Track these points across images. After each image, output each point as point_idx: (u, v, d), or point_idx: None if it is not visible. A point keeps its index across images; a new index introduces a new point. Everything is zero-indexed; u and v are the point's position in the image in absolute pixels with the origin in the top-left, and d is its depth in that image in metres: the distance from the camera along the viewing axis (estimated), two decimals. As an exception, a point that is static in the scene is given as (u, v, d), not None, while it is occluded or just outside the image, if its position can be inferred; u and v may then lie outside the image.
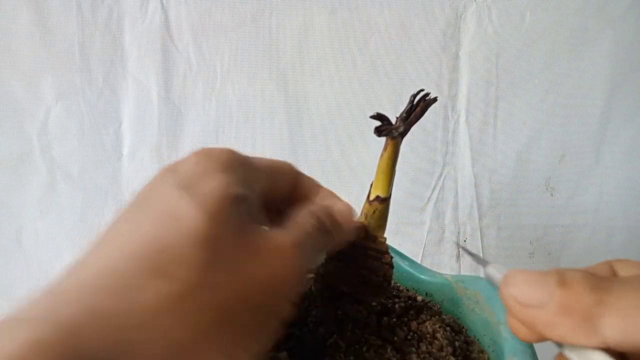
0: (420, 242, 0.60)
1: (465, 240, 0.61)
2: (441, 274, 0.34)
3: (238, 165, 0.21)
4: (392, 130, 0.25)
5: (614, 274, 0.20)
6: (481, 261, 0.24)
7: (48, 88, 0.54)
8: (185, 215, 0.17)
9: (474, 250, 0.61)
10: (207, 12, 0.56)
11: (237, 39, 0.57)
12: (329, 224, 0.23)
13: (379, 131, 0.25)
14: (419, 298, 0.33)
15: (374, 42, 0.58)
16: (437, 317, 0.30)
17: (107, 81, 0.55)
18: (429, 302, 0.32)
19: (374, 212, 0.27)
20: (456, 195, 0.61)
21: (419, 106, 0.26)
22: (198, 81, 0.57)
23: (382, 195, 0.27)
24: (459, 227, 0.61)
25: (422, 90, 0.26)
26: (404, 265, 0.35)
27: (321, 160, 0.59)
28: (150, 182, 0.19)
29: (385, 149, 0.26)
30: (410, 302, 0.31)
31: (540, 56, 0.61)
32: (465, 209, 0.61)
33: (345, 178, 0.59)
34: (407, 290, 0.34)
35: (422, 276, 0.34)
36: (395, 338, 0.27)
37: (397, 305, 0.30)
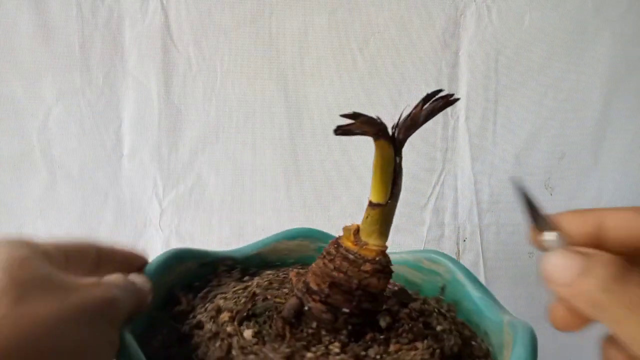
0: (421, 240, 0.61)
1: (464, 240, 0.62)
2: (507, 313, 0.30)
3: (34, 244, 0.23)
4: (349, 130, 0.23)
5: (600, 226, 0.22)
6: (541, 221, 0.23)
7: (48, 88, 0.54)
8: None
9: (473, 251, 0.62)
10: (207, 12, 0.56)
11: (237, 39, 0.57)
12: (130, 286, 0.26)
13: (334, 131, 0.23)
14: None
15: (374, 42, 0.59)
16: None
17: (107, 81, 0.55)
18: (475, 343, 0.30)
19: (367, 217, 0.27)
20: (456, 194, 0.61)
21: (434, 106, 0.25)
22: (198, 81, 0.57)
23: (373, 200, 0.27)
24: (459, 226, 0.61)
25: (441, 90, 0.25)
26: (474, 296, 0.32)
27: (322, 160, 0.59)
28: None
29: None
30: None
31: (540, 56, 0.61)
32: (465, 208, 0.61)
33: (346, 177, 0.59)
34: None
35: (487, 313, 0.31)
36: None
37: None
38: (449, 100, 0.25)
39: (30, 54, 0.54)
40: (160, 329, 0.28)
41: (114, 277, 0.26)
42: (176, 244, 0.57)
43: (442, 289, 0.36)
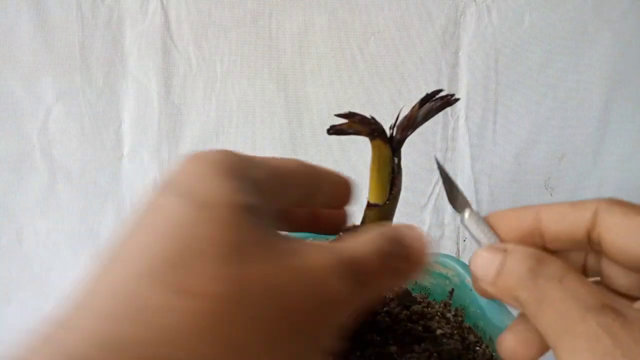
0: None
1: (464, 240, 0.62)
2: (512, 319, 0.30)
3: (239, 168, 0.18)
4: (342, 130, 0.23)
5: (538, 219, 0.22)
6: (460, 202, 0.23)
7: (48, 88, 0.54)
8: (193, 225, 0.16)
9: (473, 251, 0.61)
10: (207, 12, 0.56)
11: (237, 39, 0.57)
12: (401, 254, 0.20)
13: (328, 130, 0.23)
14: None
15: (374, 42, 0.58)
16: None
17: (107, 81, 0.55)
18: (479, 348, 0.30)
19: (365, 218, 0.27)
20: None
21: (432, 106, 0.24)
22: (198, 81, 0.57)
23: (371, 201, 0.26)
24: (459, 226, 0.61)
25: (440, 90, 0.25)
26: (481, 301, 0.32)
27: (322, 160, 0.59)
28: (149, 197, 0.18)
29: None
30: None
31: (540, 56, 0.61)
32: (464, 209, 0.61)
33: (345, 178, 0.59)
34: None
35: (492, 318, 0.30)
36: None
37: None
38: (447, 100, 0.25)
39: (30, 54, 0.54)
40: None
41: (370, 237, 0.19)
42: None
43: (450, 293, 0.36)
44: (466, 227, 0.23)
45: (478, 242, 0.23)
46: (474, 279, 0.22)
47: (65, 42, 0.54)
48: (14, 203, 0.54)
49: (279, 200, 0.20)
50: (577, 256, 0.23)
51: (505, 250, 0.21)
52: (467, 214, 0.23)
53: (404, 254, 0.20)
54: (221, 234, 0.15)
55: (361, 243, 0.19)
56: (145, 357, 0.13)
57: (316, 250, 0.17)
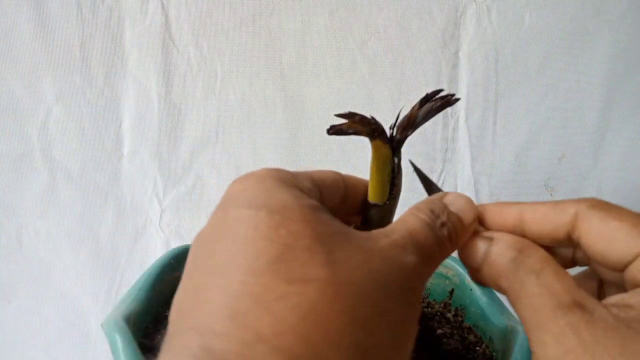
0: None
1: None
2: (512, 319, 0.30)
3: (289, 180, 0.20)
4: (341, 130, 0.23)
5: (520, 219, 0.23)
6: (433, 188, 0.24)
7: (48, 88, 0.54)
8: (276, 228, 0.17)
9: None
10: (207, 12, 0.56)
11: (237, 39, 0.57)
12: (448, 223, 0.22)
13: (327, 130, 0.23)
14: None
15: (374, 42, 0.58)
16: None
17: (107, 81, 0.55)
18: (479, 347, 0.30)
19: (364, 217, 0.27)
20: (456, 195, 0.61)
21: (432, 106, 0.24)
22: (198, 81, 0.57)
23: (371, 201, 0.26)
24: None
25: (441, 90, 0.25)
26: (481, 302, 0.32)
27: (322, 160, 0.59)
28: (217, 217, 0.19)
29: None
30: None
31: (540, 56, 0.61)
32: (464, 209, 0.61)
33: (345, 178, 0.59)
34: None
35: (492, 318, 0.30)
36: None
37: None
38: (447, 100, 0.24)
39: (30, 54, 0.54)
40: (165, 325, 0.28)
41: (419, 212, 0.21)
42: (176, 245, 0.57)
43: (450, 293, 0.36)
44: None
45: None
46: (464, 265, 0.23)
47: (65, 42, 0.54)
48: (13, 203, 0.54)
49: (324, 205, 0.22)
50: (566, 248, 0.24)
51: (491, 239, 0.22)
52: None
53: (452, 222, 0.22)
54: (303, 229, 0.17)
55: (411, 221, 0.21)
56: (299, 338, 0.15)
57: (380, 234, 0.19)
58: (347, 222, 0.24)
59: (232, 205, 0.19)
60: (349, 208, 0.25)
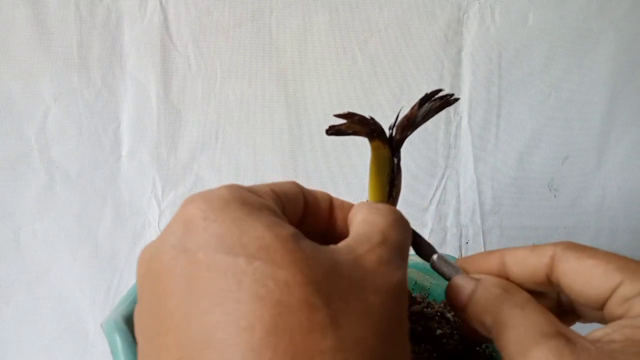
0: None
1: (467, 242, 0.61)
2: None
3: (251, 201, 0.18)
4: (340, 130, 0.23)
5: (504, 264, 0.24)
6: (426, 249, 0.26)
7: (46, 88, 0.54)
8: (263, 280, 0.15)
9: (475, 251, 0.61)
10: (207, 11, 0.56)
11: (237, 39, 0.56)
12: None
13: (326, 131, 0.23)
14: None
15: (374, 42, 0.58)
16: None
17: (106, 81, 0.55)
18: None
19: None
20: (458, 196, 0.61)
21: (431, 106, 0.24)
22: (197, 81, 0.56)
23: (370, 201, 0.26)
24: (461, 229, 0.61)
25: (440, 89, 0.24)
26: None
27: (322, 160, 0.58)
28: (187, 259, 0.16)
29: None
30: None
31: (543, 56, 0.61)
32: (467, 211, 0.61)
33: (347, 177, 0.58)
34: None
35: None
36: None
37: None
38: (447, 100, 0.24)
39: (27, 54, 0.53)
40: None
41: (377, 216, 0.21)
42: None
43: None
44: (436, 270, 0.25)
45: (448, 279, 0.24)
46: (450, 305, 0.24)
47: (63, 42, 0.54)
48: (11, 204, 0.54)
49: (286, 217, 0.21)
50: (550, 294, 0.25)
51: (478, 280, 0.23)
52: (435, 257, 0.25)
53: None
54: (293, 276, 0.15)
55: (369, 227, 0.21)
56: None
57: (365, 252, 0.19)
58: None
59: (200, 245, 0.16)
60: (309, 226, 0.23)
